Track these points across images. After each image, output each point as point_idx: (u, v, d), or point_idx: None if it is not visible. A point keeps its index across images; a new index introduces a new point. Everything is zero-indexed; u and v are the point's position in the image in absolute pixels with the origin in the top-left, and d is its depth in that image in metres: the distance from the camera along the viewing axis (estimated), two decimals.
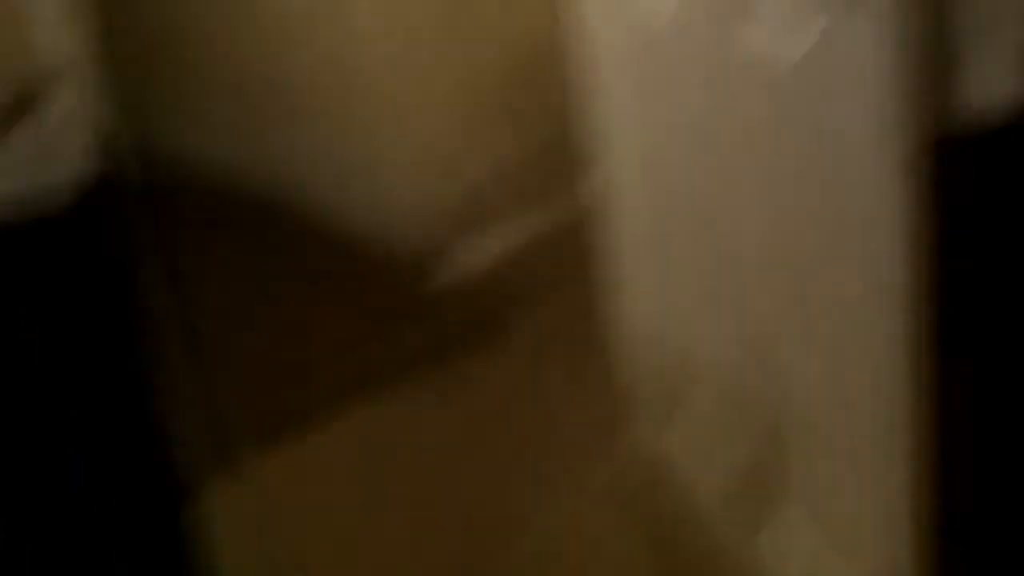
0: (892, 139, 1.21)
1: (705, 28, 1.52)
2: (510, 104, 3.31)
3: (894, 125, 1.20)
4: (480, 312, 2.98)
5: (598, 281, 2.37)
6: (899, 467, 1.35)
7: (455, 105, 3.25)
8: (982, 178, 1.37)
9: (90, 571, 1.24)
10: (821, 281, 1.45)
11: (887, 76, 1.18)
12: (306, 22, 3.27)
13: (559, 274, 3.09)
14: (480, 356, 2.79)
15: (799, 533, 1.66)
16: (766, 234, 1.57)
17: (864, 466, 1.45)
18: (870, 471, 1.44)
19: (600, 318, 2.66)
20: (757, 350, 1.67)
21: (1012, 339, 1.46)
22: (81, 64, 1.20)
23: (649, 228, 2.03)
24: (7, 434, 1.19)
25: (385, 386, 2.70)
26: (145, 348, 1.22)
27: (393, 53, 3.13)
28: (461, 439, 2.50)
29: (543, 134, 3.35)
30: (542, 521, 2.17)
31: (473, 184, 3.26)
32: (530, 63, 3.32)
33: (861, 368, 1.40)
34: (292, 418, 2.67)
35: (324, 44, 3.25)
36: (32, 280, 1.18)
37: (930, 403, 1.33)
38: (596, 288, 2.54)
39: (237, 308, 3.25)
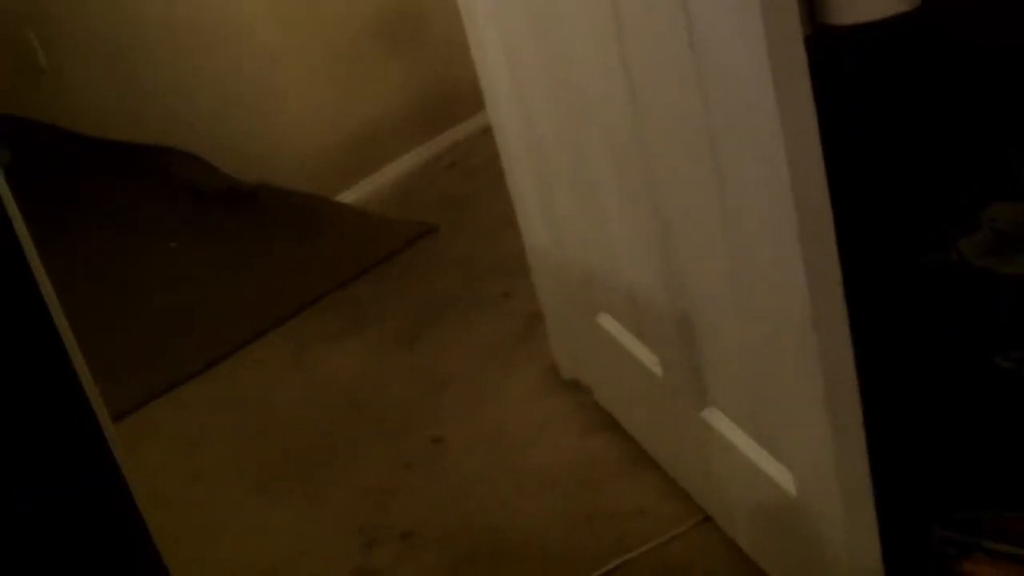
0: (767, 31, 1.23)
1: None
2: (393, 49, 3.27)
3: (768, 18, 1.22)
4: (376, 242, 2.96)
5: (496, 205, 2.35)
6: (813, 366, 1.34)
7: (334, 54, 3.16)
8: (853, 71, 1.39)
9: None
10: (718, 179, 1.44)
11: None
12: None
13: (456, 202, 3.07)
14: (379, 282, 2.78)
15: (725, 432, 1.67)
16: (660, 142, 1.57)
17: (778, 368, 1.44)
18: (785, 372, 1.43)
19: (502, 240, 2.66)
20: (662, 258, 1.68)
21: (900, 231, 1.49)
22: None
23: (535, 149, 2.00)
24: None
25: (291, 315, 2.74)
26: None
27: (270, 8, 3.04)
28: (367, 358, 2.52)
29: (426, 76, 3.32)
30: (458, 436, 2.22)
31: (361, 126, 3.23)
32: (412, 9, 3.27)
33: (764, 266, 1.39)
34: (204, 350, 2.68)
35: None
36: None
37: (840, 298, 1.33)
38: (495, 212, 2.53)
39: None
